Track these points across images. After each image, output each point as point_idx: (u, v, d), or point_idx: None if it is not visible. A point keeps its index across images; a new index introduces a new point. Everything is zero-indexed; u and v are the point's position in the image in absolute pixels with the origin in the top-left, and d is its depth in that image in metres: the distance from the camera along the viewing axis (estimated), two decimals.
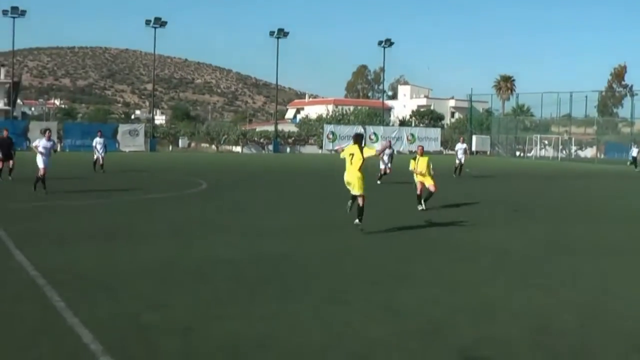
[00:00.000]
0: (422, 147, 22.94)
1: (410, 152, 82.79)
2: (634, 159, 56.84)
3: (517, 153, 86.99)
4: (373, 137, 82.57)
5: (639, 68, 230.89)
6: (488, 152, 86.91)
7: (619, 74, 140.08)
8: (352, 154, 16.06)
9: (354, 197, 16.28)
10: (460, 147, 38.96)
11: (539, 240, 16.49)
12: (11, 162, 29.59)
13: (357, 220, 16.02)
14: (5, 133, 30.35)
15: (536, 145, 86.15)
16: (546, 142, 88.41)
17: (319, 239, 15.60)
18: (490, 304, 9.95)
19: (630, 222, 21.15)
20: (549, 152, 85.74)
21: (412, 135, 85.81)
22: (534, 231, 18.08)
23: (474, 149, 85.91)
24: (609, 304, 10.32)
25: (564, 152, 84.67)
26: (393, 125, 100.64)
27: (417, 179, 21.82)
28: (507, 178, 41.21)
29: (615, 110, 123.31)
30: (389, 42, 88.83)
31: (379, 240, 15.47)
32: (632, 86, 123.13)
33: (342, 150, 16.71)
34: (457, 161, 38.51)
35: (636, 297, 10.85)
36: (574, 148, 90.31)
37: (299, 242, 14.95)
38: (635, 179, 45.17)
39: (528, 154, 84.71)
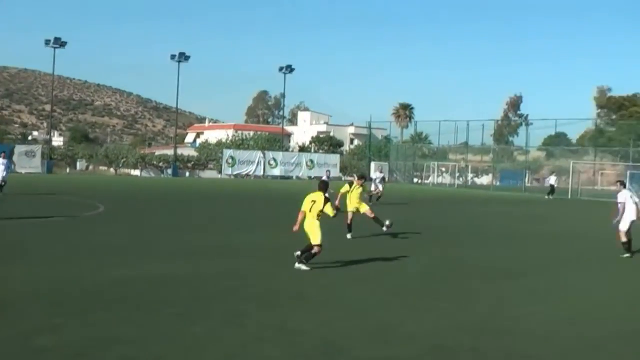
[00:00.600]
0: (364, 178, 23.17)
1: (310, 178, 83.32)
2: (552, 187, 58.09)
3: (415, 180, 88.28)
4: (273, 162, 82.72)
5: (534, 98, 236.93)
6: (386, 179, 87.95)
7: (514, 104, 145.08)
8: (314, 202, 14.95)
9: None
10: (378, 175, 39.98)
11: (438, 262, 16.79)
12: None
13: (298, 252, 14.83)
14: None
15: (434, 172, 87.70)
16: (444, 169, 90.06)
17: (215, 262, 15.45)
18: (385, 326, 10.04)
19: (523, 243, 21.77)
20: (447, 179, 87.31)
21: (312, 161, 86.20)
22: (435, 253, 18.42)
23: (372, 175, 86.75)
24: (502, 323, 10.56)
25: (461, 179, 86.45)
26: (293, 151, 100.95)
27: (350, 208, 21.66)
28: (409, 204, 41.76)
29: (510, 139, 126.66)
30: (289, 69, 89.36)
31: (278, 264, 15.43)
32: (527, 116, 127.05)
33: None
34: (375, 188, 38.90)
35: (526, 316, 11.13)
36: (470, 175, 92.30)
37: (196, 265, 14.77)
38: (534, 204, 46.42)
39: (426, 181, 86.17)
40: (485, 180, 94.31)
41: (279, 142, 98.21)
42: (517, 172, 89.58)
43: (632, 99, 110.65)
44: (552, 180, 60.32)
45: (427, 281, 14.19)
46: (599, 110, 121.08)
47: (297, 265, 14.70)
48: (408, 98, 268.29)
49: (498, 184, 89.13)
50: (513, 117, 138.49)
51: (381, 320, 10.36)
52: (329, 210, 15.06)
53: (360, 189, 21.95)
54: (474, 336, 9.65)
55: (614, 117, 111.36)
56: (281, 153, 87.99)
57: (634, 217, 19.41)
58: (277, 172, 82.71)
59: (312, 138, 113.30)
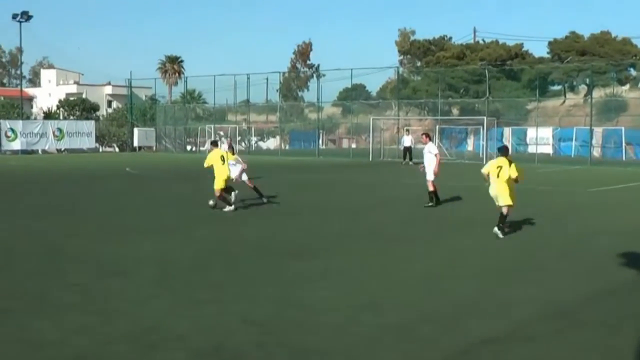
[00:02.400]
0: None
1: (59, 150, 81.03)
2: (407, 149, 56.52)
3: (189, 147, 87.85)
4: (10, 134, 79.70)
5: (325, 45, 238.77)
6: (154, 148, 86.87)
7: (303, 53, 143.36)
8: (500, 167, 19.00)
9: None
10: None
11: (207, 246, 16.79)
12: None
13: None
14: None
15: (209, 137, 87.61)
16: (222, 133, 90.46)
17: None
18: (150, 328, 9.89)
19: (315, 217, 22.24)
20: (225, 144, 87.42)
21: (60, 130, 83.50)
22: (202, 236, 18.42)
23: (135, 144, 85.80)
24: (292, 316, 10.66)
25: (242, 143, 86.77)
26: (36, 118, 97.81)
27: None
28: (181, 178, 41.52)
29: (300, 93, 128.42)
30: (26, 16, 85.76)
31: (9, 258, 14.93)
32: (318, 66, 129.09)
33: None
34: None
35: (318, 302, 11.31)
36: (254, 139, 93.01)
37: None
38: (328, 170, 47.34)
39: (201, 148, 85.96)
40: (272, 143, 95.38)
41: (18, 107, 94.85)
42: (309, 132, 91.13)
43: (439, 42, 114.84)
44: (407, 141, 58.29)
45: (199, 267, 14.14)
46: (402, 57, 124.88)
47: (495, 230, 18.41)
48: (176, 50, 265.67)
49: (287, 147, 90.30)
50: (302, 69, 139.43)
51: (146, 321, 10.19)
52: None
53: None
54: (258, 334, 9.67)
55: (418, 64, 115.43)
56: (20, 121, 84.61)
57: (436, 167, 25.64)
58: (17, 145, 79.59)
59: (60, 101, 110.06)
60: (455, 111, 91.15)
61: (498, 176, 18.80)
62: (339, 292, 12.18)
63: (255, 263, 14.72)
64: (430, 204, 25.37)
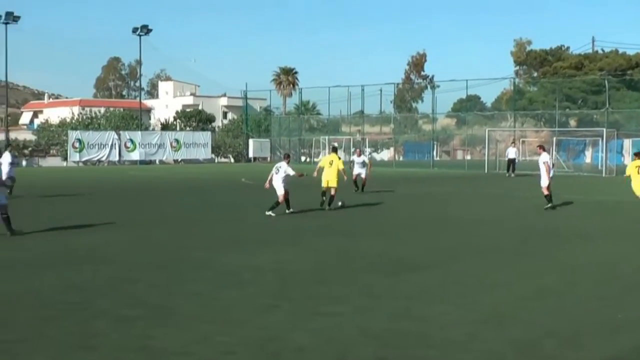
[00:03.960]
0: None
1: (176, 161, 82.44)
2: (511, 161, 56.33)
3: (303, 158, 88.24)
4: (130, 144, 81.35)
5: (440, 56, 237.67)
6: (269, 159, 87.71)
7: (417, 64, 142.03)
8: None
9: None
10: (357, 160, 37.23)
11: (325, 258, 16.80)
12: None
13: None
14: None
15: (324, 148, 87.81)
16: (336, 144, 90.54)
17: (48, 274, 15.03)
18: (270, 338, 9.94)
19: (430, 230, 22.11)
20: (341, 155, 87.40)
21: (177, 141, 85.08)
22: (320, 248, 18.45)
23: (250, 155, 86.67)
24: (411, 328, 10.59)
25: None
26: (154, 129, 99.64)
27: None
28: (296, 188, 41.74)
29: (414, 105, 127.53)
30: (145, 29, 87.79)
31: (132, 268, 15.19)
32: (432, 77, 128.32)
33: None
34: (356, 175, 37.37)
35: (438, 316, 11.21)
36: (368, 150, 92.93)
37: (29, 278, 14.35)
38: (444, 182, 47.06)
39: (315, 159, 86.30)
40: (385, 155, 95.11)
41: (137, 119, 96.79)
42: (423, 144, 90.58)
43: (556, 52, 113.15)
44: (512, 153, 58.09)
45: (318, 279, 14.16)
46: (518, 68, 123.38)
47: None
48: (290, 62, 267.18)
49: (401, 158, 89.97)
50: (416, 80, 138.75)
51: (266, 331, 10.24)
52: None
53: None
54: (379, 346, 9.64)
55: (535, 74, 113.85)
56: (139, 132, 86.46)
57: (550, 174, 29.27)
58: (135, 155, 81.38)
59: (177, 113, 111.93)
60: (572, 122, 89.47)
61: (639, 173, 25.71)
62: (458, 306, 12.04)
63: (373, 275, 14.67)
64: (548, 205, 28.66)
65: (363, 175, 36.75)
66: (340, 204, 28.28)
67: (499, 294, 13.13)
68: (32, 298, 12.51)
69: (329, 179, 28.14)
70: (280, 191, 26.17)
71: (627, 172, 26.48)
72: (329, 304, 12.08)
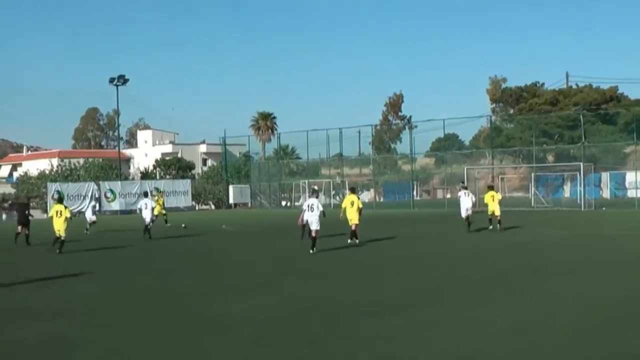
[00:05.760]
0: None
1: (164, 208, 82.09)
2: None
3: (283, 203, 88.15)
4: (110, 195, 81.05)
5: (416, 96, 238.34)
6: (249, 204, 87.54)
7: (394, 104, 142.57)
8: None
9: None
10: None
11: (303, 304, 16.70)
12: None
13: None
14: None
15: (304, 192, 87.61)
16: (316, 187, 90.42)
17: (42, 323, 14.88)
18: None
19: (404, 271, 22.05)
20: (321, 199, 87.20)
21: (157, 189, 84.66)
22: (297, 292, 18.36)
23: (231, 201, 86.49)
24: None
25: (337, 197, 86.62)
26: (133, 178, 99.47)
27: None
28: (268, 232, 41.71)
29: (393, 145, 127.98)
30: (122, 79, 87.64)
31: (109, 316, 15.07)
32: (410, 117, 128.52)
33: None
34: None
35: (424, 358, 11.10)
36: (348, 192, 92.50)
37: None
38: (423, 222, 47.06)
39: (296, 203, 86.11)
40: (365, 196, 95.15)
41: (116, 169, 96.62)
42: (403, 184, 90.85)
43: (531, 88, 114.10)
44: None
45: (293, 325, 14.05)
46: (494, 105, 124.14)
47: None
48: (269, 106, 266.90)
49: (382, 199, 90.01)
50: (394, 120, 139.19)
51: None
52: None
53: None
54: None
55: (511, 111, 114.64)
56: (119, 182, 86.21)
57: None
58: (116, 205, 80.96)
59: (156, 161, 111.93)
60: (550, 158, 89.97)
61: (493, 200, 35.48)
62: (439, 346, 11.96)
63: (353, 318, 14.56)
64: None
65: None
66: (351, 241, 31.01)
67: (478, 332, 13.03)
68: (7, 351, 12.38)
69: (351, 217, 31.24)
70: (316, 226, 28.37)
71: None
72: (308, 350, 11.96)
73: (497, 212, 37.53)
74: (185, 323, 14.44)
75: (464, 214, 38.25)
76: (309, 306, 16.19)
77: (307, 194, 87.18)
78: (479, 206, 46.78)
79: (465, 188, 41.79)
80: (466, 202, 38.42)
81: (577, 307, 15.25)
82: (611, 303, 15.75)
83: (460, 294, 17.50)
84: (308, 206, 29.48)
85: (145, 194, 42.96)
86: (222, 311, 15.73)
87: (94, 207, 50.23)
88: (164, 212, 49.14)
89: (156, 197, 52.04)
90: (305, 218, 29.69)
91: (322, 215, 28.79)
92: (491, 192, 38.91)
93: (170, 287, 19.96)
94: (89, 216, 46.37)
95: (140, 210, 38.97)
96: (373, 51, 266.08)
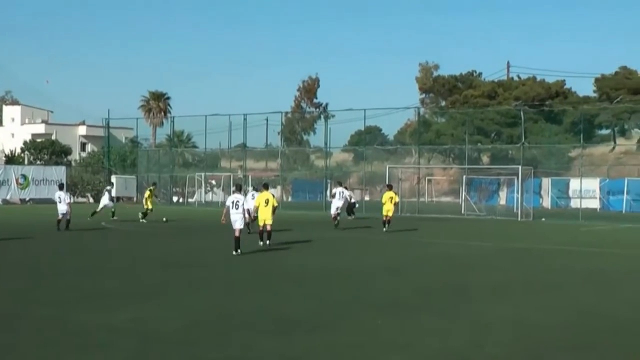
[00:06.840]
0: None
1: (23, 200, 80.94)
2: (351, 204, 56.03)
3: (175, 198, 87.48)
4: None
5: (335, 81, 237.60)
6: (135, 199, 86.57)
7: (309, 90, 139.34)
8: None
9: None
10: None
11: (194, 317, 16.72)
12: None
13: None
14: None
15: (201, 187, 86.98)
16: (214, 182, 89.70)
17: None
18: None
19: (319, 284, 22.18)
20: (219, 195, 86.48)
21: (24, 177, 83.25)
22: (187, 304, 18.36)
23: (113, 194, 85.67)
24: None
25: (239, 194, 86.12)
26: None
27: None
28: (165, 234, 41.51)
29: (306, 137, 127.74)
30: None
31: None
32: (326, 105, 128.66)
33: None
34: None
35: None
36: (251, 189, 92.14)
37: None
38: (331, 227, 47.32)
39: (190, 199, 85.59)
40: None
41: None
42: (315, 182, 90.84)
43: (467, 78, 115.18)
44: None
45: (179, 342, 14.07)
46: (423, 96, 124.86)
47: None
48: (162, 85, 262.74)
49: (290, 199, 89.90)
50: (308, 108, 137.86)
51: None
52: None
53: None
54: None
55: (442, 104, 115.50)
56: None
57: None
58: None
59: (25, 143, 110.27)
60: (485, 159, 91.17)
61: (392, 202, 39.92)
62: None
63: (253, 336, 14.61)
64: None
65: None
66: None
67: (398, 357, 13.19)
68: None
69: (265, 217, 31.38)
70: (240, 225, 29.72)
71: None
72: None
73: (391, 214, 42.60)
74: (56, 338, 14.32)
75: (333, 212, 46.14)
76: (199, 320, 16.18)
77: (203, 189, 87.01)
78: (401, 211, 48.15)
79: (341, 184, 50.42)
80: (338, 202, 46.91)
81: (512, 332, 15.51)
82: (546, 329, 16.06)
83: (377, 312, 17.63)
84: (232, 203, 30.20)
85: (61, 187, 44.21)
86: (101, 323, 15.60)
87: (110, 191, 54.47)
88: (150, 207, 51.07)
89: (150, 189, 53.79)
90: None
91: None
92: (390, 193, 42.75)
93: (40, 294, 19.75)
94: (107, 202, 51.92)
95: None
96: (286, 29, 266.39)
